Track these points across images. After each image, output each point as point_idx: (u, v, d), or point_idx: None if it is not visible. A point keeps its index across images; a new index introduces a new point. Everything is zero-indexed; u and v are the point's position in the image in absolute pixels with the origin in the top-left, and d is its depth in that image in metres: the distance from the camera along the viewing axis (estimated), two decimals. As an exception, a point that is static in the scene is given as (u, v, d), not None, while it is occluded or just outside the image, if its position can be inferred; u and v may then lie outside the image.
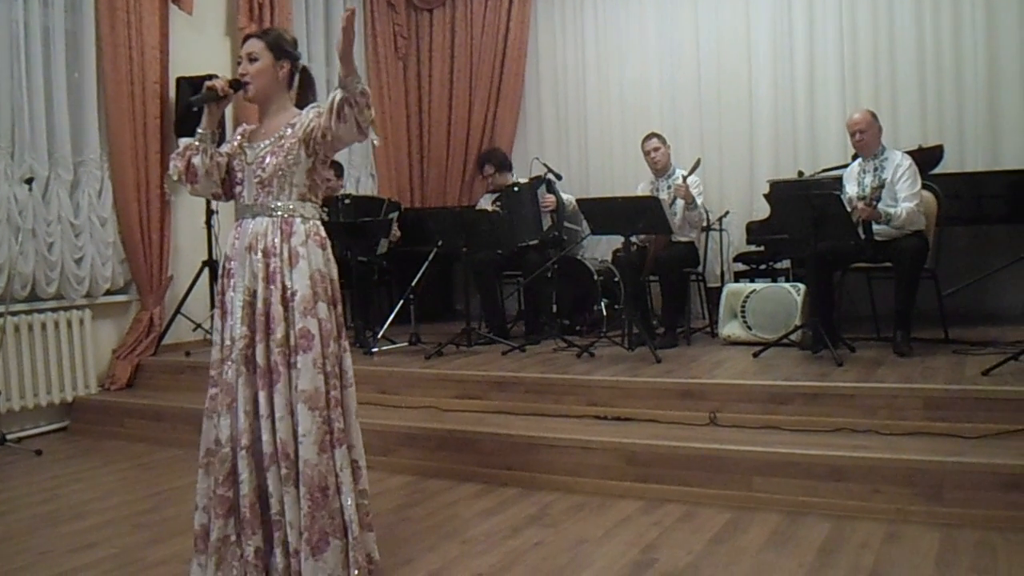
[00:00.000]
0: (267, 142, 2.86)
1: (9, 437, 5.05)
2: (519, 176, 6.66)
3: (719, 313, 5.62)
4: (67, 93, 5.49)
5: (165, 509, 3.89)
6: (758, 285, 5.61)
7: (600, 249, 7.03)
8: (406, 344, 5.78)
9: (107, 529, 3.63)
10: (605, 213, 5.31)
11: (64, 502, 4.05)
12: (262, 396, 2.73)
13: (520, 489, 3.97)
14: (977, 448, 3.46)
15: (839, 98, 6.58)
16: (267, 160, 2.83)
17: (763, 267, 6.37)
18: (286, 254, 2.79)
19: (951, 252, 5.63)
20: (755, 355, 4.85)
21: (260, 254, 2.79)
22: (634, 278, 5.46)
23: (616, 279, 6.11)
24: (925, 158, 5.50)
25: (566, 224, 6.50)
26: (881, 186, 4.77)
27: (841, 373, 4.28)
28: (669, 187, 5.74)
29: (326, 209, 5.91)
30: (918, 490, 3.34)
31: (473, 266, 5.99)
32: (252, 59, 2.88)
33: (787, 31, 6.77)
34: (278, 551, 2.71)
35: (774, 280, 6.07)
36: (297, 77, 2.99)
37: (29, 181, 5.11)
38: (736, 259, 6.55)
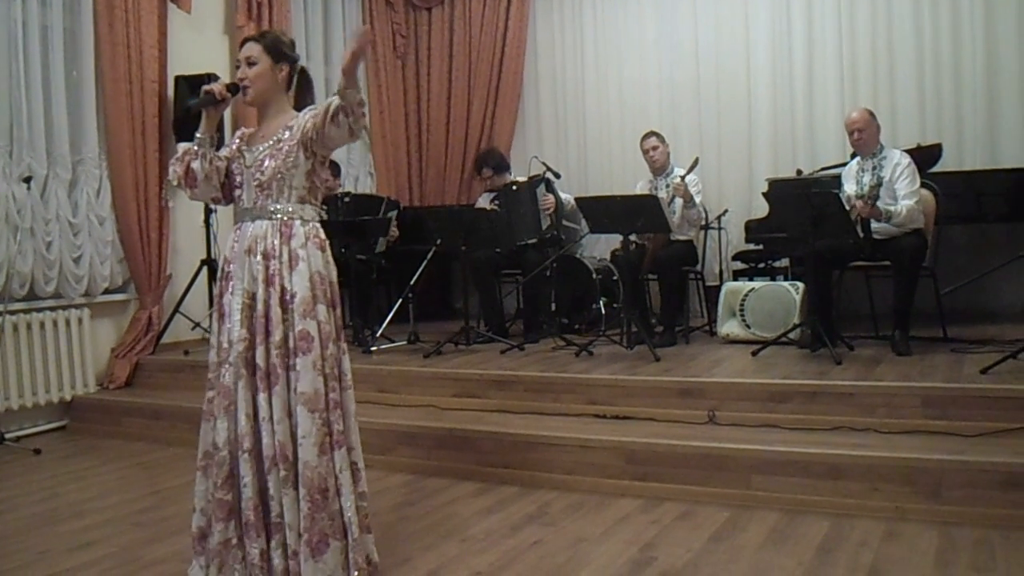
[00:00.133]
0: (266, 145, 2.86)
1: (8, 436, 5.05)
2: (517, 175, 6.66)
3: (718, 312, 5.61)
4: (65, 92, 5.50)
5: (164, 508, 3.89)
6: (757, 284, 5.61)
7: (599, 248, 7.03)
8: (405, 343, 5.78)
9: (106, 528, 3.63)
10: (604, 212, 5.31)
11: (63, 501, 4.05)
12: (262, 398, 2.73)
13: (519, 488, 3.97)
14: (976, 446, 3.46)
15: (838, 96, 6.58)
16: (266, 163, 2.83)
17: (762, 266, 6.36)
18: (286, 256, 2.79)
19: (950, 250, 5.63)
20: (754, 354, 4.85)
21: (260, 256, 2.79)
22: (633, 277, 5.46)
23: (615, 278, 6.11)
24: (924, 157, 5.50)
25: (565, 223, 6.50)
26: (879, 185, 4.78)
27: (840, 371, 4.28)
28: (668, 186, 5.74)
29: (325, 208, 5.91)
30: (917, 488, 3.34)
31: (472, 265, 5.99)
32: (251, 63, 2.87)
33: (786, 30, 6.77)
34: (277, 553, 2.70)
35: (773, 279, 6.07)
36: (295, 79, 2.99)
37: (27, 180, 5.12)
38: (735, 257, 6.55)
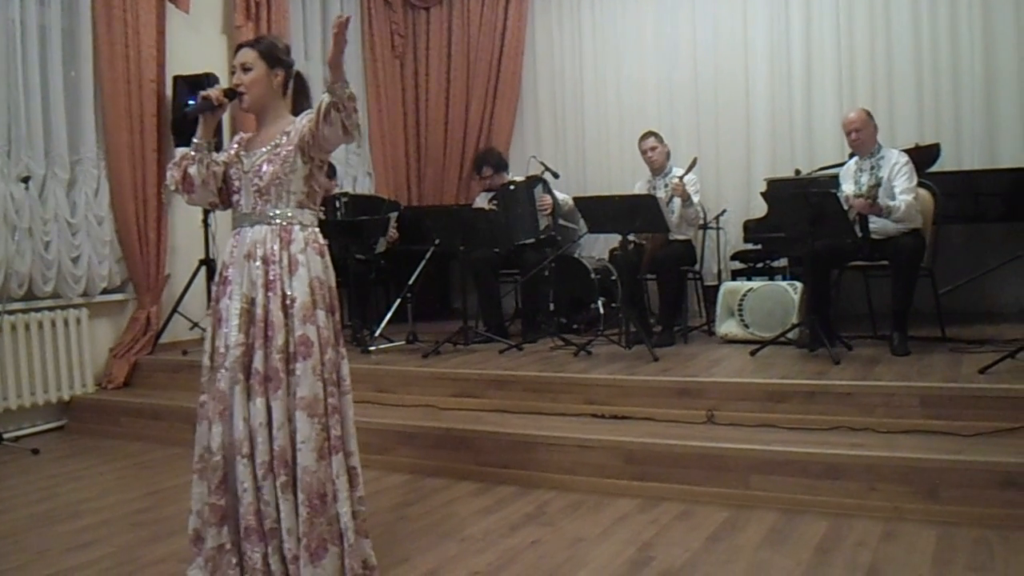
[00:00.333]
0: (264, 150, 2.86)
1: (6, 436, 5.04)
2: (516, 175, 6.66)
3: (716, 311, 5.62)
4: (64, 92, 5.49)
5: (162, 508, 3.88)
6: (755, 283, 5.61)
7: (597, 247, 7.04)
8: (403, 343, 5.78)
9: (104, 528, 3.63)
10: (602, 211, 5.31)
11: (61, 501, 4.05)
12: (260, 403, 2.71)
13: (517, 487, 3.97)
14: (974, 446, 3.46)
15: (836, 96, 6.59)
16: (264, 168, 2.83)
17: (760, 265, 6.37)
18: (285, 261, 2.79)
19: (948, 250, 5.64)
20: (752, 353, 4.85)
21: (259, 261, 2.79)
22: (631, 276, 5.46)
23: (613, 277, 6.11)
24: (922, 156, 5.50)
25: (563, 223, 6.51)
26: (878, 184, 4.77)
27: (838, 371, 4.29)
28: (666, 186, 5.74)
29: (322, 209, 5.91)
30: (915, 488, 3.35)
31: (471, 265, 5.99)
32: (246, 69, 2.87)
33: (784, 30, 6.77)
34: (274, 559, 2.70)
35: (771, 278, 6.07)
36: (291, 83, 2.98)
37: (26, 180, 5.11)
38: (733, 257, 6.55)
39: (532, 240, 6.16)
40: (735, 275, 6.53)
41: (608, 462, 3.89)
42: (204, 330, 6.03)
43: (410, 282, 5.80)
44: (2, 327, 5.07)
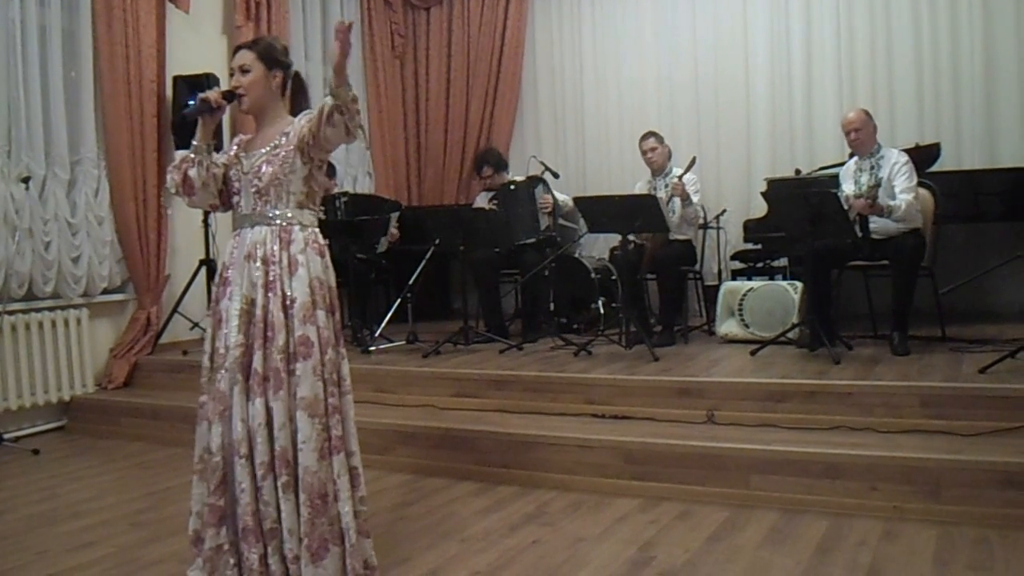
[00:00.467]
0: (263, 151, 2.86)
1: (6, 436, 5.04)
2: (516, 175, 6.66)
3: (716, 311, 5.62)
4: (64, 92, 5.49)
5: (162, 508, 3.88)
6: (755, 283, 5.61)
7: (597, 247, 7.03)
8: (403, 342, 5.78)
9: (104, 528, 3.63)
10: (602, 211, 5.31)
11: (61, 501, 4.05)
12: (259, 404, 2.71)
13: (518, 487, 3.97)
14: (974, 446, 3.46)
15: (836, 96, 6.59)
16: (263, 169, 2.83)
17: (760, 265, 6.37)
18: (285, 262, 2.79)
19: (948, 250, 5.63)
20: (752, 353, 4.85)
21: (259, 262, 2.79)
22: (631, 276, 5.46)
23: (613, 277, 6.11)
24: (922, 156, 5.50)
25: (563, 223, 6.50)
26: (878, 185, 4.77)
27: (838, 371, 4.29)
28: (666, 186, 5.75)
29: (323, 208, 5.90)
30: (915, 488, 3.35)
31: (472, 265, 5.99)
32: (244, 71, 2.87)
33: (784, 30, 6.78)
34: (274, 560, 2.70)
35: (771, 278, 6.07)
36: (290, 84, 2.99)
37: (26, 180, 5.11)
38: (733, 257, 6.55)
39: (532, 240, 6.16)
40: (735, 275, 6.53)
41: (608, 462, 3.89)
42: (204, 330, 6.03)
43: (410, 282, 5.80)
44: (2, 327, 5.07)
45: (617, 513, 3.57)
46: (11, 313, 5.18)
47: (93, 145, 5.67)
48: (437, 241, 5.62)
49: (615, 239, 5.70)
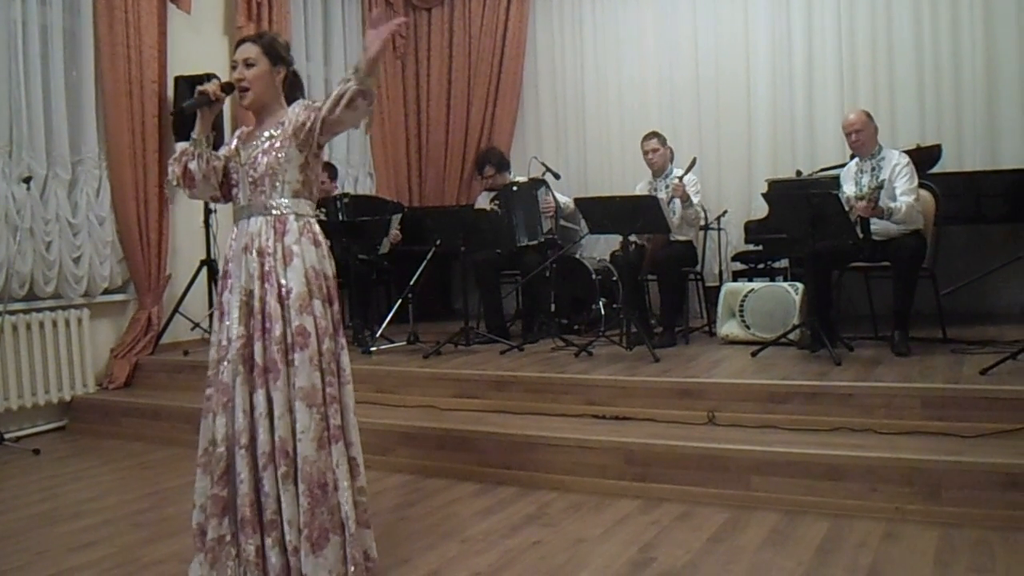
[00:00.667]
0: (259, 142, 2.88)
1: (7, 436, 5.05)
2: (517, 175, 6.66)
3: (717, 312, 5.61)
4: (65, 92, 5.49)
5: (163, 508, 3.89)
6: (756, 284, 5.61)
7: (598, 248, 7.03)
8: (404, 343, 5.78)
9: (105, 528, 3.63)
10: (603, 212, 5.31)
11: (62, 501, 4.05)
12: (260, 395, 2.74)
13: (518, 488, 3.97)
14: (975, 447, 3.46)
15: (837, 97, 6.59)
16: (259, 159, 2.85)
17: (761, 266, 6.37)
18: (280, 253, 2.80)
19: (949, 251, 5.64)
20: (753, 354, 4.85)
21: (255, 254, 2.81)
22: (632, 277, 5.46)
23: (614, 278, 6.11)
24: (923, 157, 5.50)
25: (565, 223, 6.50)
26: (880, 187, 4.77)
27: (839, 372, 4.28)
28: (667, 186, 5.75)
29: (323, 210, 5.91)
30: (916, 489, 3.34)
31: (473, 265, 5.99)
32: (249, 64, 2.87)
33: (785, 30, 6.78)
34: (274, 551, 2.71)
35: (772, 279, 6.08)
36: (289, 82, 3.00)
37: (27, 180, 5.11)
38: (734, 258, 6.55)
39: (534, 242, 6.15)
40: (736, 276, 6.53)
41: (609, 463, 3.89)
42: (205, 331, 6.09)
43: (411, 283, 5.80)
44: (3, 327, 5.08)
45: (618, 514, 3.57)
46: (12, 313, 5.18)
47: (94, 145, 5.67)
48: (438, 242, 5.62)
49: (616, 240, 5.69)
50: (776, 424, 3.96)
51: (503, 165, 6.57)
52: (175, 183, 2.95)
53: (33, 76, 5.29)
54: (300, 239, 2.82)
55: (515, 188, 6.28)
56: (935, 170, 5.72)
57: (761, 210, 5.78)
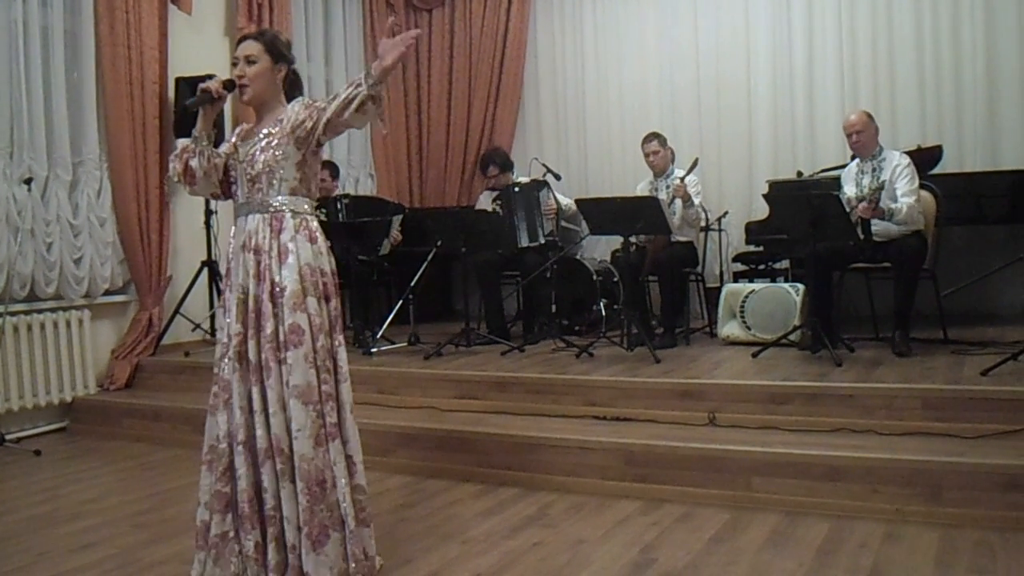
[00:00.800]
0: (257, 139, 2.89)
1: (8, 437, 5.04)
2: (518, 176, 6.65)
3: (718, 313, 5.61)
4: (66, 93, 5.49)
5: (164, 509, 3.89)
6: (757, 285, 5.61)
7: (599, 249, 7.03)
8: (405, 344, 5.78)
9: (106, 529, 3.63)
10: (604, 213, 5.31)
11: (63, 502, 4.05)
12: (255, 392, 2.76)
13: (519, 489, 3.97)
14: (976, 448, 3.46)
15: (838, 98, 6.59)
16: (256, 157, 2.86)
17: (762, 267, 6.37)
18: (275, 250, 2.81)
19: (950, 252, 5.63)
20: (754, 355, 4.85)
21: (252, 252, 2.82)
22: (633, 278, 5.46)
23: (615, 279, 6.11)
24: (924, 158, 5.50)
25: (566, 224, 6.50)
26: (880, 188, 4.77)
27: (840, 373, 4.28)
28: (668, 187, 5.75)
29: (323, 210, 5.91)
30: (917, 490, 3.34)
31: (474, 266, 5.99)
32: (250, 61, 2.89)
33: (786, 31, 6.78)
34: (272, 547, 2.72)
35: (773, 280, 6.07)
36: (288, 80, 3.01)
37: (28, 181, 5.11)
38: (735, 259, 6.55)
39: (535, 244, 6.15)
40: (737, 277, 6.52)
41: (610, 464, 3.89)
42: (206, 331, 6.09)
43: (412, 283, 5.80)
44: (4, 328, 5.07)
45: (618, 515, 3.57)
46: (13, 314, 5.18)
47: (95, 146, 5.67)
48: (439, 243, 5.62)
49: (617, 241, 5.70)
50: (777, 425, 3.97)
51: (507, 165, 6.56)
52: (176, 179, 2.96)
53: (34, 77, 5.29)
54: (296, 236, 2.83)
55: (517, 189, 6.28)
56: (936, 171, 5.73)
57: (762, 211, 5.78)
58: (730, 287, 5.68)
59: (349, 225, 6.04)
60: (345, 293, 5.72)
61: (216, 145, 2.97)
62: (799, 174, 6.33)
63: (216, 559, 2.78)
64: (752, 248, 6.32)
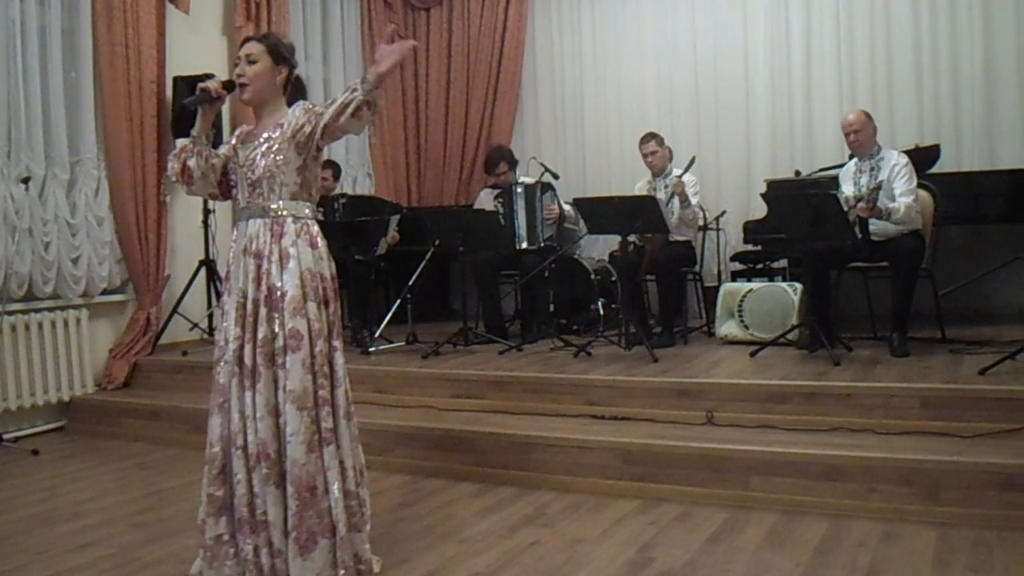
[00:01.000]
0: (257, 143, 2.89)
1: (6, 437, 5.04)
2: (520, 175, 6.63)
3: (716, 312, 5.61)
4: (64, 93, 5.49)
5: (162, 509, 3.88)
6: (755, 284, 5.62)
7: (597, 248, 7.03)
8: (403, 343, 5.78)
9: (104, 529, 3.63)
10: (602, 213, 5.31)
11: (61, 502, 4.05)
12: (248, 396, 2.76)
13: (517, 488, 3.97)
14: (974, 447, 3.46)
15: (836, 97, 6.59)
16: (257, 161, 2.86)
17: (760, 266, 6.37)
18: (276, 255, 2.82)
19: (948, 252, 5.64)
20: (752, 354, 4.85)
21: (253, 257, 2.82)
22: (631, 277, 5.46)
23: (613, 278, 6.11)
24: (922, 158, 5.50)
25: (564, 224, 6.49)
26: (878, 187, 4.77)
27: (838, 372, 4.29)
28: (666, 187, 5.75)
29: (321, 209, 5.90)
30: (915, 489, 3.35)
31: (472, 266, 5.99)
32: (251, 61, 2.89)
33: (784, 31, 6.78)
34: (264, 552, 2.72)
35: (771, 279, 6.07)
36: (291, 85, 3.00)
37: (26, 180, 5.11)
38: (733, 258, 6.55)
39: (533, 248, 6.14)
40: (735, 276, 6.52)
41: (608, 463, 3.89)
42: (204, 331, 6.08)
43: (410, 283, 5.80)
44: (2, 328, 5.07)
45: (616, 514, 3.57)
46: (11, 313, 5.18)
47: (93, 145, 5.66)
48: (437, 242, 5.62)
49: (615, 240, 5.70)
50: (775, 424, 3.97)
51: (514, 163, 6.55)
52: (174, 179, 2.97)
53: (32, 76, 5.28)
54: (297, 241, 2.84)
55: (519, 189, 6.27)
56: (934, 170, 5.73)
57: (760, 210, 5.79)
58: (728, 286, 5.69)
59: (346, 225, 6.03)
60: (343, 292, 5.71)
61: (214, 146, 2.97)
62: (797, 173, 6.33)
63: (211, 562, 2.79)
64: (750, 247, 6.32)
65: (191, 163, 2.90)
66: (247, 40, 2.98)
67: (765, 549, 3.12)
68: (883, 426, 3.80)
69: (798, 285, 5.28)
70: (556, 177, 6.44)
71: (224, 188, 3.00)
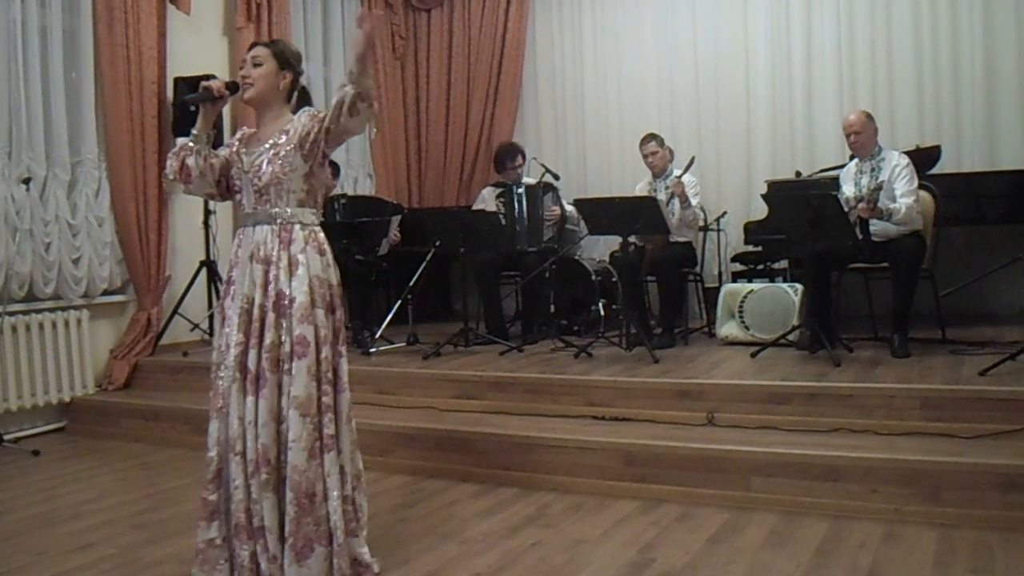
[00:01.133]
0: (262, 149, 2.88)
1: (7, 437, 5.04)
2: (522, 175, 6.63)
3: (717, 313, 5.61)
4: (65, 93, 5.49)
5: (163, 509, 3.88)
6: (756, 285, 5.61)
7: (598, 249, 7.02)
8: (404, 344, 5.78)
9: (105, 529, 3.63)
10: (603, 213, 5.31)
11: (62, 502, 4.05)
12: (250, 402, 2.75)
13: (518, 489, 3.97)
14: (974, 448, 3.46)
15: (837, 98, 6.59)
16: (263, 168, 2.85)
17: (761, 267, 6.37)
18: (285, 261, 2.81)
19: (948, 252, 5.63)
20: (753, 355, 4.85)
21: (260, 263, 2.82)
22: (632, 278, 5.46)
23: (614, 279, 6.11)
24: (922, 158, 5.50)
25: (566, 227, 6.49)
26: (879, 187, 4.77)
27: (839, 373, 4.28)
28: (667, 187, 5.75)
29: (322, 209, 5.90)
30: (915, 490, 3.34)
31: (473, 266, 5.99)
32: (256, 63, 2.91)
33: (785, 31, 6.78)
34: (263, 558, 2.72)
35: (772, 280, 6.08)
36: (296, 93, 3.01)
37: (26, 181, 5.11)
38: (734, 259, 6.55)
39: (534, 249, 6.14)
40: (736, 277, 6.53)
41: (608, 464, 3.88)
42: (205, 332, 6.08)
43: (411, 284, 5.80)
44: (3, 328, 5.07)
45: (617, 515, 3.57)
46: (12, 314, 5.18)
47: (94, 146, 5.67)
48: (438, 243, 5.62)
49: (615, 241, 5.69)
50: (775, 425, 3.97)
51: (524, 159, 6.53)
52: (172, 177, 2.96)
53: (32, 77, 5.28)
54: (305, 248, 2.84)
55: (521, 189, 6.27)
56: (934, 171, 5.72)
57: (760, 211, 5.78)
58: (729, 287, 5.68)
59: (347, 225, 6.03)
60: (344, 293, 5.71)
61: (215, 148, 2.98)
62: (798, 174, 6.33)
63: (202, 565, 2.79)
64: (751, 248, 6.32)
65: (189, 161, 2.90)
66: (255, 44, 3.00)
67: (766, 550, 3.12)
68: (884, 427, 3.80)
69: (799, 286, 5.28)
70: (557, 178, 6.44)
71: (222, 189, 2.99)
